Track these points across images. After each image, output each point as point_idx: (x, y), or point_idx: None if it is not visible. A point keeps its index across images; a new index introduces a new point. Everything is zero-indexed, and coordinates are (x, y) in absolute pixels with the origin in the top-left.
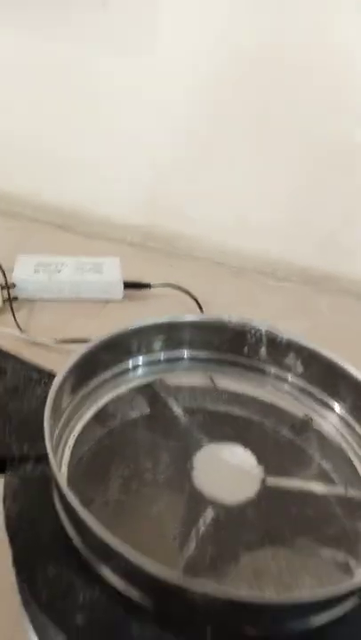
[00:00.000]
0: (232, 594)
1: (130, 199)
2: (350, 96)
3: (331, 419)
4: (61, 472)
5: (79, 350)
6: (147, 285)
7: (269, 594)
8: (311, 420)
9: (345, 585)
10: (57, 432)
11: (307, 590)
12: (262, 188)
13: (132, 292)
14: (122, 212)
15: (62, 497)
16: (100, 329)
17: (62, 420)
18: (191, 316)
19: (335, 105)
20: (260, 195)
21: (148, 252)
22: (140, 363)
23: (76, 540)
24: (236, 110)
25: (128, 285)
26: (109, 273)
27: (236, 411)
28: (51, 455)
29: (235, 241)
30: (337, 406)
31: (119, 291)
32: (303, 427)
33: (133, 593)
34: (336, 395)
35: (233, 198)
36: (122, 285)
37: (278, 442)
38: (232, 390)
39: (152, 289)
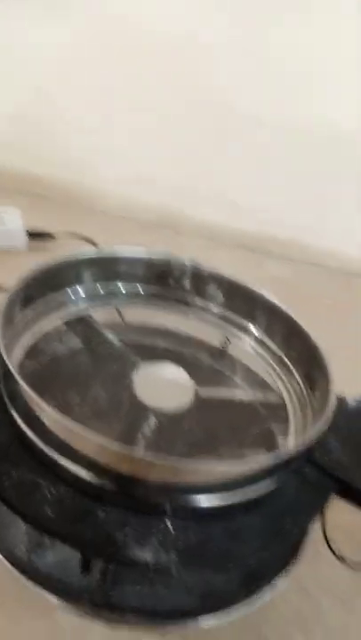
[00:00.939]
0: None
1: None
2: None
3: (249, 339)
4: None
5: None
6: (50, 235)
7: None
8: (229, 341)
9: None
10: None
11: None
12: (162, 146)
13: (36, 243)
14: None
15: (16, 396)
16: (4, 278)
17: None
18: (121, 250)
19: None
20: (160, 151)
21: (50, 204)
22: (73, 296)
23: (37, 441)
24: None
25: (32, 235)
26: (11, 222)
27: (166, 338)
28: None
29: (140, 196)
30: (253, 329)
31: (22, 241)
32: (224, 349)
33: (96, 480)
34: (252, 319)
35: (136, 156)
36: (25, 235)
37: (204, 362)
38: (160, 320)
39: (57, 240)
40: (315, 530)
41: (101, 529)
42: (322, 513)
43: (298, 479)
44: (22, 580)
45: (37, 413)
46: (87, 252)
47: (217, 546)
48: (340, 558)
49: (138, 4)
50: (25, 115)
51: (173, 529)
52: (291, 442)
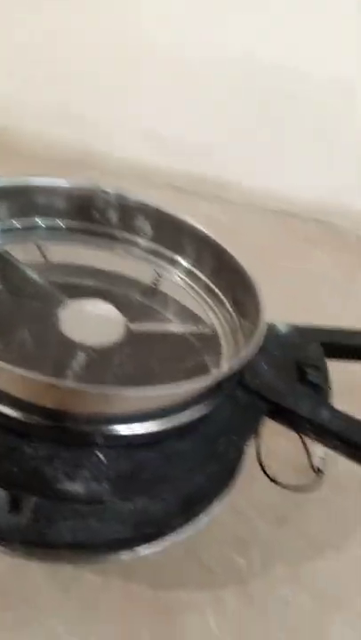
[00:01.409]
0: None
1: None
2: None
3: (178, 272)
4: None
5: None
6: None
7: None
8: (160, 276)
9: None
10: None
11: None
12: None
13: None
14: None
15: None
16: None
17: None
18: (38, 179)
19: None
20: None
21: None
22: None
23: None
24: None
25: None
26: None
27: (92, 275)
28: None
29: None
30: (182, 260)
31: None
32: (155, 285)
33: (22, 416)
34: (181, 250)
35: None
36: None
37: (133, 297)
38: (85, 257)
39: None
40: (249, 455)
41: (29, 465)
42: (256, 438)
43: (230, 403)
44: None
45: None
46: None
47: (151, 472)
48: (274, 480)
49: None
50: None
51: (106, 459)
52: (224, 370)
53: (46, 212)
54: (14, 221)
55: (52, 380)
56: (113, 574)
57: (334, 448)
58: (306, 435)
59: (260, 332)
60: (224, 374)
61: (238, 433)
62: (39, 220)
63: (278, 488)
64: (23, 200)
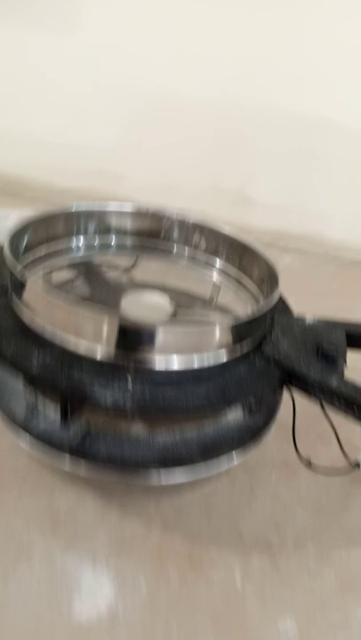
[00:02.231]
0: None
1: None
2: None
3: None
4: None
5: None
6: None
7: None
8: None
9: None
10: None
11: None
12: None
13: None
14: None
15: (20, 291)
16: None
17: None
18: (115, 205)
19: None
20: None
21: None
22: (80, 244)
23: (32, 320)
24: None
25: None
26: None
27: (155, 280)
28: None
29: None
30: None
31: None
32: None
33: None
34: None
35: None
36: None
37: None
38: (151, 265)
39: None
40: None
41: (75, 380)
42: (294, 417)
43: (247, 366)
44: (21, 438)
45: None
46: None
47: (167, 402)
48: (305, 460)
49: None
50: None
51: (133, 385)
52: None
53: (118, 231)
54: (97, 237)
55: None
56: (155, 522)
57: (344, 412)
58: (317, 400)
59: (277, 293)
60: (240, 319)
61: (251, 391)
62: (114, 237)
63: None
64: (101, 221)
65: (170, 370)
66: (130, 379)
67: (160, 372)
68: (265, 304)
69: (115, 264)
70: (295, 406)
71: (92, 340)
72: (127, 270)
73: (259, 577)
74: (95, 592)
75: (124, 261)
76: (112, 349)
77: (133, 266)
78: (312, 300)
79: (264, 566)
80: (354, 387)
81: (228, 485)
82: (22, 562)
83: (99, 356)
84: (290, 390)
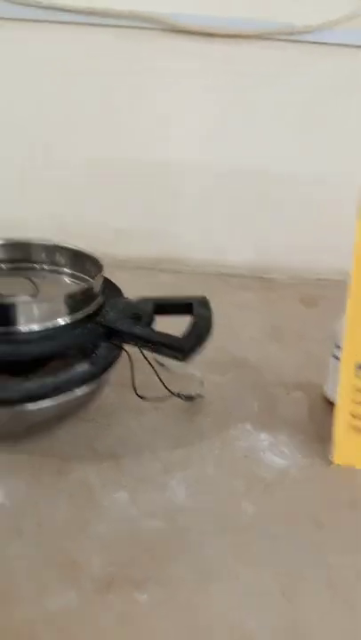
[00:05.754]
0: None
1: None
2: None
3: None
4: None
5: None
6: None
7: None
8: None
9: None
10: None
11: None
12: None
13: None
14: None
15: None
16: None
17: None
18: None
19: None
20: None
21: None
22: None
23: None
24: None
25: None
26: None
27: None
28: None
29: None
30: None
31: None
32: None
33: None
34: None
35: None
36: None
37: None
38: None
39: None
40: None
41: None
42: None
43: (83, 330)
44: None
45: None
46: None
47: (23, 353)
48: (140, 396)
49: None
50: None
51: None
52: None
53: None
54: None
55: None
56: (34, 452)
57: (149, 349)
58: (129, 344)
59: (99, 277)
60: (72, 292)
61: (86, 342)
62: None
63: None
64: None
65: (25, 332)
66: None
67: (18, 334)
68: (89, 283)
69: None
70: (132, 360)
71: None
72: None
73: (105, 473)
74: None
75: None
76: None
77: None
78: None
79: (110, 467)
80: (149, 330)
81: (89, 424)
82: None
83: None
84: (121, 347)
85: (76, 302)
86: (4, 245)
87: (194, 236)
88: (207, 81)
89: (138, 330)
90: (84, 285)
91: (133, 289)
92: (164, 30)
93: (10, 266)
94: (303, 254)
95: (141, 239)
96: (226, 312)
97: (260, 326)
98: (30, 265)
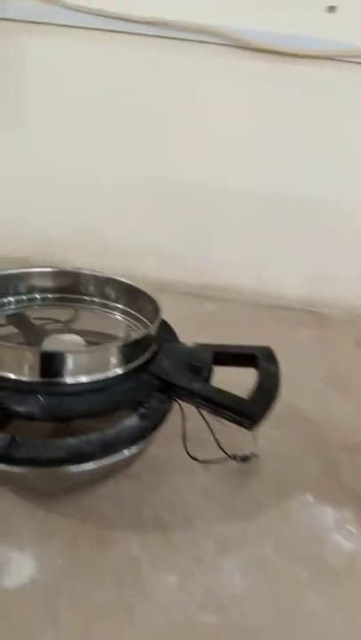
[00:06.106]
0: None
1: None
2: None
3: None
4: None
5: None
6: None
7: None
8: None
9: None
10: None
11: None
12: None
13: None
14: None
15: None
16: None
17: None
18: (38, 268)
19: None
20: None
21: None
22: (11, 300)
23: None
24: None
25: None
26: None
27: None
28: None
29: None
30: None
31: None
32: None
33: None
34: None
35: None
36: None
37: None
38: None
39: None
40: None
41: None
42: (183, 421)
43: (136, 380)
44: None
45: None
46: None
47: (70, 408)
48: (193, 457)
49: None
50: None
51: (43, 398)
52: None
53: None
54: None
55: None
56: (73, 514)
57: (209, 410)
58: (185, 401)
59: (156, 324)
60: (126, 341)
61: (137, 398)
62: (37, 295)
63: None
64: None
65: (72, 383)
66: (40, 394)
67: (65, 386)
68: (142, 332)
69: (45, 315)
70: (184, 413)
71: (13, 366)
72: (57, 320)
73: (152, 546)
74: (20, 569)
75: (52, 312)
76: (27, 372)
77: (70, 318)
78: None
79: (158, 538)
80: (211, 388)
81: (134, 483)
82: None
83: (17, 378)
84: (176, 400)
85: (130, 351)
86: (52, 273)
87: (241, 262)
88: (266, 102)
89: (198, 386)
90: (141, 333)
91: (178, 317)
92: (222, 45)
93: (56, 295)
94: (357, 288)
95: (187, 263)
96: (278, 352)
97: (317, 371)
98: (79, 296)
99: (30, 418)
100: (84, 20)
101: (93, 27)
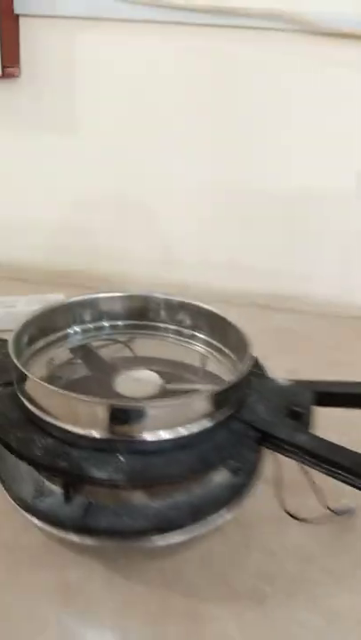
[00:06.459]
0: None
1: None
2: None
3: (203, 345)
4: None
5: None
6: None
7: None
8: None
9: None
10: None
11: None
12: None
13: None
14: None
15: (24, 385)
16: None
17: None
18: (106, 294)
19: None
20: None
21: None
22: (77, 330)
23: (33, 409)
24: None
25: None
26: None
27: (145, 354)
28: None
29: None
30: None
31: None
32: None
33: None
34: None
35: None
36: None
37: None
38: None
39: None
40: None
41: (73, 461)
42: (277, 475)
43: (226, 431)
44: (32, 518)
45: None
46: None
47: (157, 472)
48: (291, 515)
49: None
50: None
51: (124, 459)
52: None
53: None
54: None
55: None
56: (156, 583)
57: (314, 466)
58: (287, 456)
59: (247, 363)
60: (218, 390)
61: (231, 455)
62: (105, 323)
63: None
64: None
65: (156, 441)
66: (121, 454)
67: (148, 444)
68: (236, 376)
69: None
70: (278, 461)
71: (87, 421)
72: (123, 349)
73: (251, 627)
74: None
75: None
76: (104, 428)
77: (128, 344)
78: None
79: (257, 617)
80: (320, 441)
81: (223, 543)
82: (38, 635)
83: (93, 436)
84: (271, 450)
85: (221, 397)
86: (123, 298)
87: (314, 269)
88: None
89: (304, 439)
90: (237, 376)
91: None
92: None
93: (127, 323)
94: None
95: (253, 272)
96: None
97: None
98: (152, 324)
99: (113, 486)
100: (142, 12)
101: (156, 19)
